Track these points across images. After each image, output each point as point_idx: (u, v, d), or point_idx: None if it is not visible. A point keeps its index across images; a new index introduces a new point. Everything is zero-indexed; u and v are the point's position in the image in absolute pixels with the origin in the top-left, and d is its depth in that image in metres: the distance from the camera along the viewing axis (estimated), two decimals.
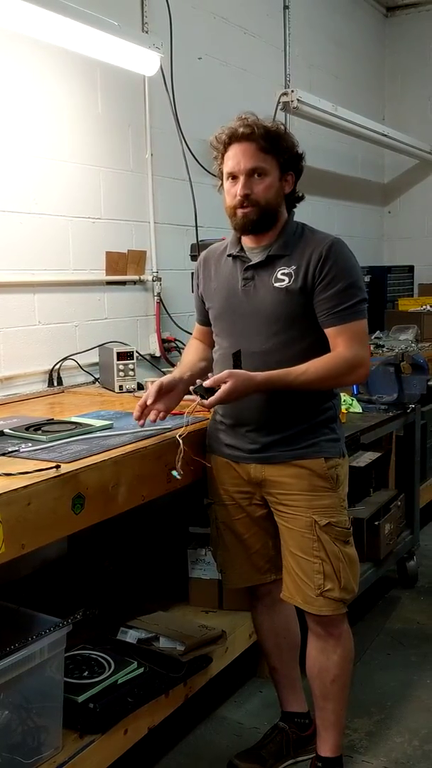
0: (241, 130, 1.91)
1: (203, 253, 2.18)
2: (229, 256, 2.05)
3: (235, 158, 1.92)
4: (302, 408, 1.97)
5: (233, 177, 1.94)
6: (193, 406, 1.97)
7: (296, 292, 1.92)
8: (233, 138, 1.92)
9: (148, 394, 2.02)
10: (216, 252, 2.13)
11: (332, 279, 1.90)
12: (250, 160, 1.91)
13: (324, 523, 1.96)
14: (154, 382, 2.07)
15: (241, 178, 1.92)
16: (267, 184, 1.93)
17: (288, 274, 1.94)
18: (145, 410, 2.03)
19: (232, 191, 1.94)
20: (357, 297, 1.93)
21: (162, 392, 2.03)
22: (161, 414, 2.04)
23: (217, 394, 1.84)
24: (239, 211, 1.94)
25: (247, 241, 2.03)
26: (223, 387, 1.84)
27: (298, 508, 1.97)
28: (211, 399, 1.85)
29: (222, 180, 1.99)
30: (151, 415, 2.03)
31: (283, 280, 1.94)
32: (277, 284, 1.95)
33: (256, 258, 1.99)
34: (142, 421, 2.04)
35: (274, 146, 1.92)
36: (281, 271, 1.95)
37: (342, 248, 1.95)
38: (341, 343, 1.92)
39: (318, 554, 1.97)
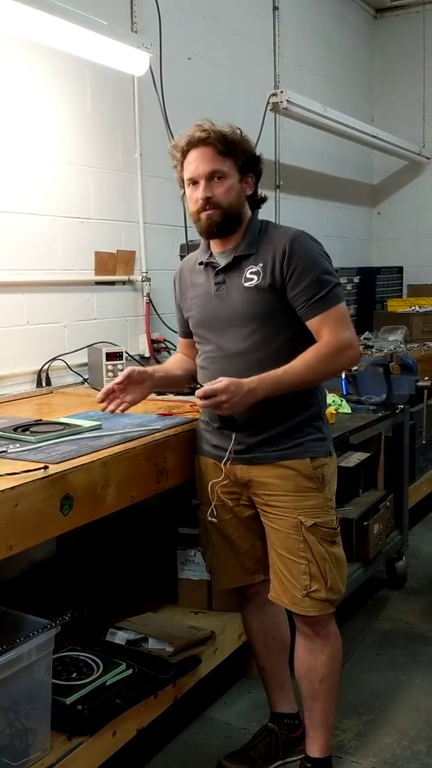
0: (197, 134, 1.91)
1: (179, 266, 2.21)
2: (200, 264, 2.07)
3: (194, 163, 1.93)
4: (285, 406, 1.96)
5: (194, 182, 1.95)
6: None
7: (266, 289, 1.93)
8: (191, 144, 1.93)
9: (117, 378, 2.01)
10: (190, 262, 2.15)
11: (301, 272, 1.91)
12: (208, 164, 1.91)
13: (310, 524, 1.96)
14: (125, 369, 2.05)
15: (202, 182, 1.93)
16: (227, 186, 1.94)
17: (256, 273, 1.95)
18: (110, 395, 2.00)
19: (194, 196, 1.95)
20: (330, 283, 1.93)
21: (131, 381, 2.02)
22: (124, 405, 2.02)
23: (223, 413, 1.87)
24: (203, 215, 1.95)
25: (215, 246, 2.04)
26: (223, 404, 1.84)
27: (283, 509, 1.97)
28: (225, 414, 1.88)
29: (184, 188, 2.00)
30: (112, 405, 2.00)
31: (252, 279, 1.95)
32: (246, 284, 1.95)
33: (224, 261, 2.01)
34: (104, 405, 2.01)
35: (231, 149, 1.93)
36: (249, 271, 1.96)
37: (303, 240, 1.95)
38: (326, 331, 1.92)
39: (304, 555, 1.97)
